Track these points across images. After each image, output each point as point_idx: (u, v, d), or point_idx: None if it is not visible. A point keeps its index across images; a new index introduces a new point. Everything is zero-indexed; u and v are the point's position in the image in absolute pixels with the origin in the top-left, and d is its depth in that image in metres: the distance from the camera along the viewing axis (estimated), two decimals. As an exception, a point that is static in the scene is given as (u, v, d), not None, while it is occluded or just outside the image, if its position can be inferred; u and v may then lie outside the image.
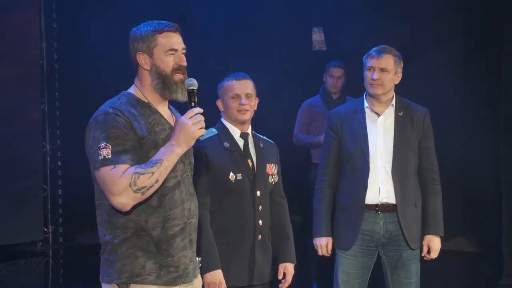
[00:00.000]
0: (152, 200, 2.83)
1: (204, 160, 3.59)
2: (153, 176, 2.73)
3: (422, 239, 4.12)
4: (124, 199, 2.72)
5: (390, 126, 4.11)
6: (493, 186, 7.08)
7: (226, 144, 3.66)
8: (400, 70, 4.08)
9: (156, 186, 2.76)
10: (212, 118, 3.84)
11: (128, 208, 2.76)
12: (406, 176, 4.08)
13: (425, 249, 4.10)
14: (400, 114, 4.12)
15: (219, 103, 3.74)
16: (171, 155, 2.77)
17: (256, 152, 3.72)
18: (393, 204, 4.05)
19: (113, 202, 2.74)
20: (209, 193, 3.60)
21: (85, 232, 7.98)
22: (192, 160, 3.07)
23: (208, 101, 3.77)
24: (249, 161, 3.68)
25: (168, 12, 7.02)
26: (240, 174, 3.63)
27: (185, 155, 2.92)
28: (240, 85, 3.67)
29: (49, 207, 8.43)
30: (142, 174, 2.72)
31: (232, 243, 3.63)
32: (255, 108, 3.73)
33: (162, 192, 2.84)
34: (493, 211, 7.10)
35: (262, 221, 3.68)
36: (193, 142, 2.81)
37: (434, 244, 4.09)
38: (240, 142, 3.70)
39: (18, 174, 7.94)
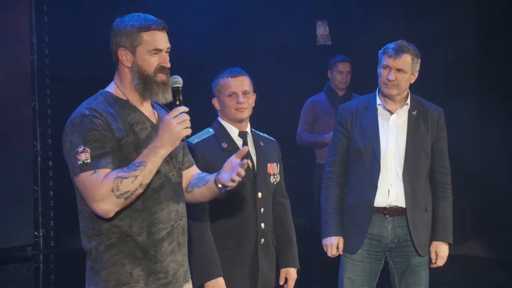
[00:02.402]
0: (136, 204, 2.82)
1: (201, 162, 3.58)
2: (137, 179, 2.72)
3: (430, 245, 4.13)
4: (107, 206, 2.71)
5: (403, 125, 4.12)
6: (507, 188, 7.09)
7: (224, 145, 3.67)
8: (417, 69, 4.08)
9: (140, 190, 2.75)
10: (209, 117, 3.86)
11: (112, 214, 2.75)
12: (418, 179, 4.09)
13: (433, 255, 4.11)
14: (414, 113, 4.12)
15: (215, 102, 3.75)
16: (155, 157, 2.76)
17: (256, 152, 3.73)
18: (402, 208, 4.06)
19: (96, 209, 2.73)
20: (207, 196, 3.60)
21: (78, 236, 7.91)
22: (180, 159, 3.06)
23: (208, 99, 3.79)
24: (248, 161, 3.68)
25: (166, 6, 7.04)
26: (239, 176, 3.63)
27: (170, 154, 2.90)
28: (236, 82, 3.67)
29: (39, 209, 8.44)
30: (125, 178, 2.71)
31: (234, 248, 3.64)
32: (253, 105, 3.74)
33: (146, 194, 2.83)
34: (506, 214, 7.10)
35: (265, 224, 3.69)
36: (178, 143, 2.79)
37: (441, 251, 4.10)
38: (239, 142, 3.71)
39: (7, 175, 7.95)
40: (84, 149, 2.73)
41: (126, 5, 7.18)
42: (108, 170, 2.73)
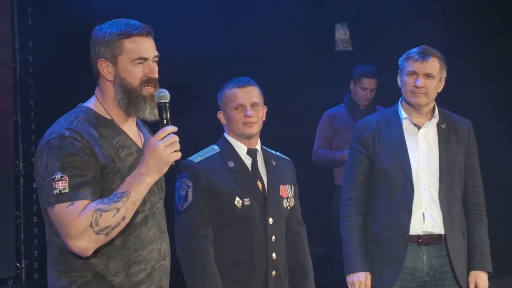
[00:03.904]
0: (116, 240, 2.78)
1: (204, 183, 3.61)
2: (119, 213, 2.68)
3: (467, 275, 4.13)
4: (84, 243, 2.67)
5: (433, 140, 4.13)
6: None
7: (231, 164, 3.68)
8: (444, 76, 4.11)
9: (123, 224, 2.71)
10: (214, 133, 3.88)
11: (90, 253, 2.71)
12: (453, 201, 4.11)
13: (471, 287, 4.10)
14: (443, 126, 4.14)
15: (220, 115, 3.77)
16: (140, 186, 2.71)
17: (267, 172, 3.75)
18: (438, 235, 4.07)
19: (72, 247, 2.68)
20: (211, 222, 3.62)
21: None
22: (163, 187, 3.01)
23: (213, 112, 3.81)
24: (258, 183, 3.70)
25: (168, 7, 7.07)
26: (248, 199, 3.65)
27: (156, 183, 2.85)
28: (244, 93, 3.69)
29: (22, 237, 8.44)
30: (106, 211, 2.66)
31: (241, 281, 3.65)
32: (264, 119, 3.76)
33: (127, 230, 2.79)
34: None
35: (276, 254, 3.70)
36: (166, 169, 2.74)
37: (481, 282, 4.11)
38: (247, 161, 3.73)
39: (-15, 199, 7.96)
40: (61, 176, 2.69)
41: (122, 7, 7.22)
42: (87, 201, 2.69)
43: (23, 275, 8.44)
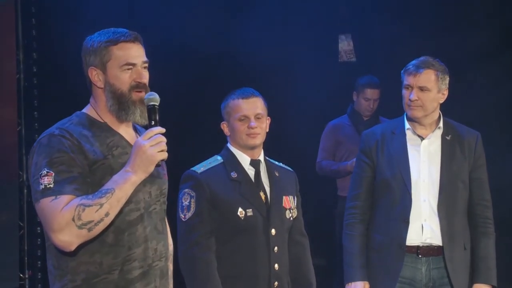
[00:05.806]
0: (107, 237, 2.80)
1: (207, 193, 3.62)
2: (102, 208, 2.70)
3: (469, 287, 4.12)
4: (66, 236, 2.70)
5: (436, 152, 4.13)
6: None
7: (234, 174, 3.69)
8: (444, 86, 4.09)
9: (107, 221, 2.73)
10: (217, 143, 3.88)
11: (73, 247, 2.73)
12: (455, 213, 4.09)
13: (473, 300, 4.10)
14: (448, 138, 4.13)
15: (224, 126, 3.78)
16: (125, 184, 2.74)
17: (270, 183, 3.75)
18: (438, 246, 4.06)
19: (54, 240, 2.73)
20: (213, 233, 3.62)
21: (68, 278, 7.94)
22: (165, 191, 3.04)
23: (216, 123, 3.81)
24: (261, 194, 3.70)
25: (169, 19, 7.08)
26: (250, 210, 3.66)
27: (151, 184, 2.92)
28: (248, 104, 3.71)
29: (25, 248, 8.43)
30: (89, 206, 2.70)
31: (243, 293, 3.64)
32: (267, 130, 3.77)
33: (120, 227, 2.82)
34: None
35: (279, 265, 3.70)
36: (152, 168, 2.77)
37: (484, 294, 4.09)
38: (250, 171, 3.73)
39: (-11, 209, 7.96)
40: (48, 172, 2.74)
41: (126, 18, 7.23)
42: (71, 196, 2.72)
43: (27, 286, 8.43)
